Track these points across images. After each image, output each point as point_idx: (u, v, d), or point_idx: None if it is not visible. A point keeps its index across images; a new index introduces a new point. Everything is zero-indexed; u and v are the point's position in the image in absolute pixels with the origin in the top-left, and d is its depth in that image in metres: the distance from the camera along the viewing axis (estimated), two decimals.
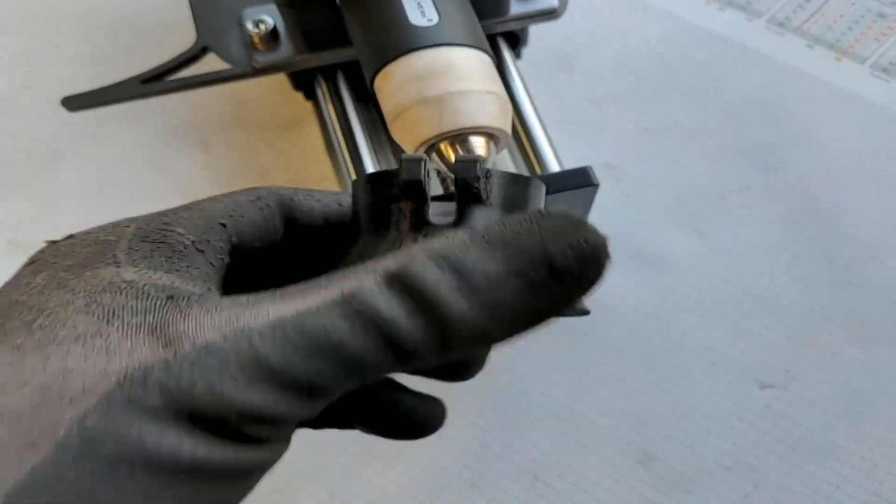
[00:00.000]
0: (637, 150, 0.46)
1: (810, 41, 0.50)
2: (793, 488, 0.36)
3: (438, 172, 0.33)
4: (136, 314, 0.16)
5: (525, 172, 0.40)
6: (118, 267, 0.17)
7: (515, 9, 0.40)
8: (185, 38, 0.40)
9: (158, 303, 0.17)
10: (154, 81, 0.38)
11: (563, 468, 0.37)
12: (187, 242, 0.19)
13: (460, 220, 0.20)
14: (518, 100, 0.40)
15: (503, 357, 0.40)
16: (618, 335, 0.41)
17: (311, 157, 0.47)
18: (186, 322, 0.16)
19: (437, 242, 0.16)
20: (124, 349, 0.15)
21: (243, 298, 0.17)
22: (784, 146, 0.46)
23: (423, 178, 0.19)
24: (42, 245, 0.19)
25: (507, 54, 0.42)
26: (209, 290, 0.18)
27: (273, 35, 0.38)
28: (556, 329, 0.40)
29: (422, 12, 0.30)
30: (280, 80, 0.44)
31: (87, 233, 0.19)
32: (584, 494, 0.37)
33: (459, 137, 0.28)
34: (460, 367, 0.23)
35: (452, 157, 0.29)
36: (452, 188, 0.35)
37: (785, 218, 0.44)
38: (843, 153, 0.46)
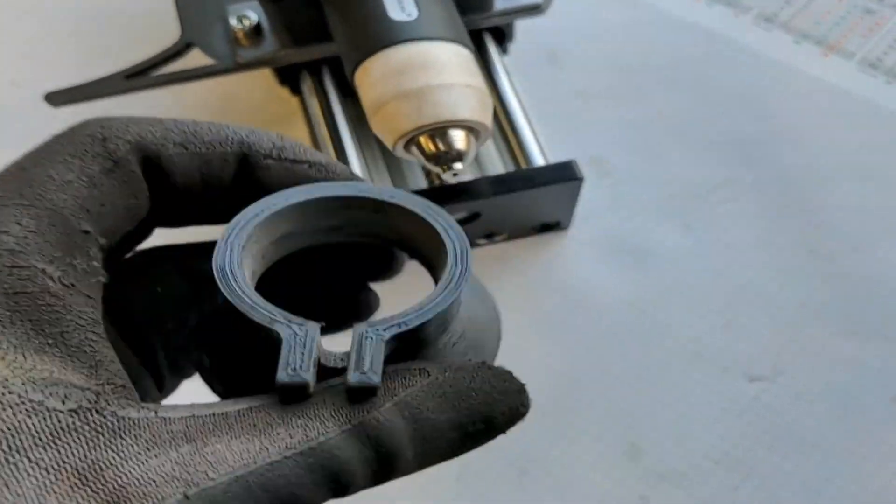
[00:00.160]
0: (623, 145, 0.46)
1: (797, 37, 0.50)
2: (781, 481, 0.36)
3: (423, 168, 0.33)
4: (44, 446, 0.13)
5: (511, 167, 0.40)
6: None
7: (500, 4, 0.40)
8: (171, 34, 0.40)
9: (65, 423, 0.14)
10: (138, 77, 0.38)
11: (549, 462, 0.37)
12: (52, 285, 0.15)
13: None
14: (503, 95, 0.41)
15: None
16: (604, 328, 0.41)
17: None
18: (128, 466, 0.13)
19: (402, 388, 0.16)
20: None
21: (177, 424, 0.14)
22: (770, 140, 0.46)
23: (308, 382, 0.16)
24: None
25: (492, 49, 0.42)
26: (101, 371, 0.15)
27: (257, 30, 0.38)
28: (542, 323, 0.40)
29: (401, 7, 0.31)
30: (266, 77, 0.44)
31: None
32: (571, 488, 0.37)
33: (439, 131, 0.28)
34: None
35: (433, 151, 0.29)
36: (437, 181, 0.35)
37: (771, 211, 0.44)
38: (829, 147, 0.46)
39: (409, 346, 0.18)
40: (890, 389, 0.38)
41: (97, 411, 0.14)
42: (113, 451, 0.14)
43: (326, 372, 0.17)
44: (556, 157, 0.38)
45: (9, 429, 0.13)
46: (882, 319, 0.40)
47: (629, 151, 0.46)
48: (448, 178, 0.29)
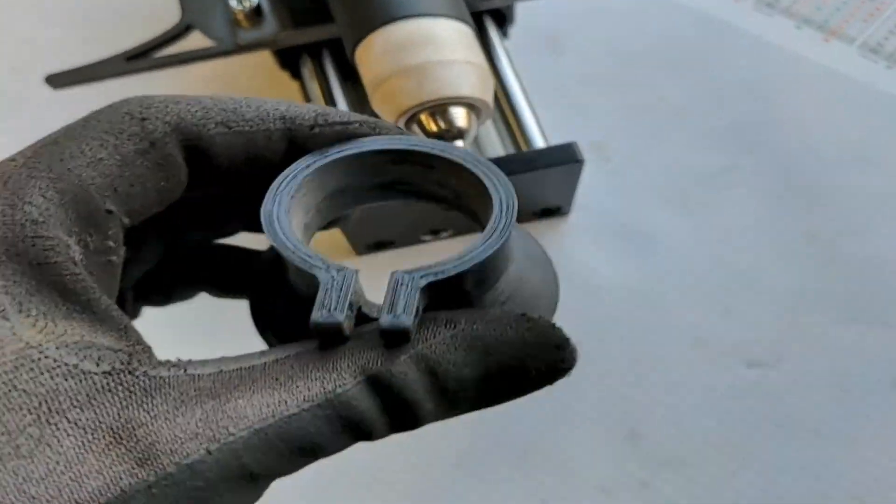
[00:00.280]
0: (625, 130, 0.46)
1: (798, 21, 0.50)
2: (780, 466, 0.36)
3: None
4: (81, 407, 0.14)
5: (511, 150, 0.40)
6: (7, 319, 0.14)
7: None
8: (171, 17, 0.40)
9: (99, 385, 0.14)
10: (139, 59, 0.38)
11: (550, 446, 0.37)
12: (75, 256, 0.15)
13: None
14: (504, 77, 0.40)
15: None
16: (604, 313, 0.40)
17: None
18: (157, 424, 0.14)
19: (422, 340, 0.16)
20: (90, 467, 0.13)
21: (205, 381, 0.15)
22: (771, 125, 0.46)
23: (339, 322, 0.16)
24: None
25: (493, 33, 0.42)
26: (129, 334, 0.15)
27: (257, 12, 0.38)
28: None
29: None
30: (267, 61, 0.44)
31: None
32: (571, 473, 0.36)
33: (440, 108, 0.28)
34: None
35: (434, 129, 0.29)
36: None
37: (771, 196, 0.44)
38: (830, 132, 0.46)
39: (449, 299, 0.17)
40: (890, 375, 0.38)
41: (129, 372, 0.14)
42: (144, 410, 0.14)
43: (366, 321, 0.17)
44: (557, 142, 0.38)
45: (47, 392, 0.14)
46: (882, 305, 0.40)
47: (630, 137, 0.46)
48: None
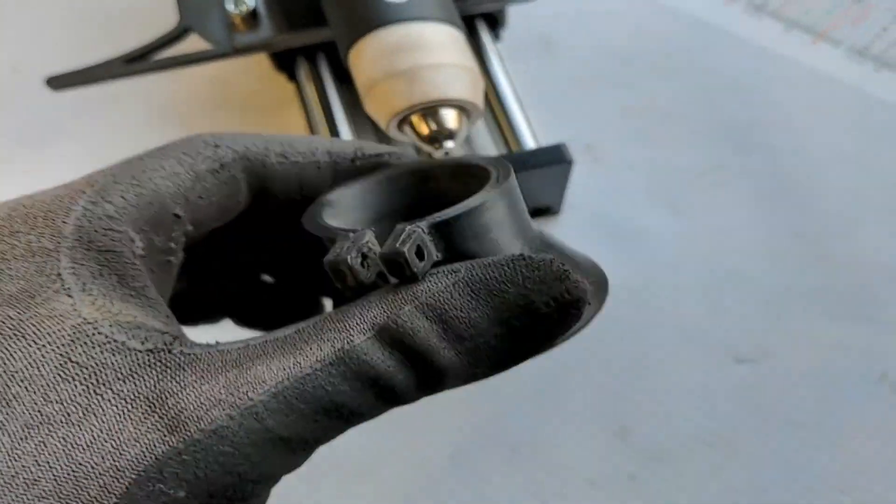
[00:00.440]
0: (616, 131, 0.47)
1: (787, 24, 0.51)
2: (766, 460, 0.37)
3: (415, 148, 0.33)
4: (124, 380, 0.15)
5: (503, 151, 0.40)
6: (70, 296, 0.16)
7: None
8: (169, 20, 0.40)
9: (141, 360, 0.16)
10: (137, 61, 0.38)
11: (541, 441, 0.38)
12: (137, 249, 0.17)
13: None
14: (496, 79, 0.41)
15: None
16: None
17: None
18: (185, 393, 0.15)
19: (421, 290, 0.16)
20: (128, 435, 0.15)
21: (232, 354, 0.16)
22: (759, 126, 0.47)
23: (346, 258, 0.17)
24: None
25: (485, 35, 0.42)
26: (173, 323, 0.17)
27: (253, 15, 0.39)
28: None
29: None
30: (263, 64, 0.45)
31: (13, 230, 0.17)
32: (561, 466, 0.37)
33: (431, 110, 0.29)
34: None
35: (425, 131, 0.30)
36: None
37: (760, 196, 0.45)
38: (817, 133, 0.47)
39: (454, 259, 0.18)
40: (874, 371, 0.39)
41: (168, 350, 0.16)
42: (175, 381, 0.15)
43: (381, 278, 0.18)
44: (549, 143, 0.39)
45: (97, 364, 0.15)
46: (867, 302, 0.41)
47: (621, 138, 0.47)
48: (440, 157, 0.30)
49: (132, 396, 0.15)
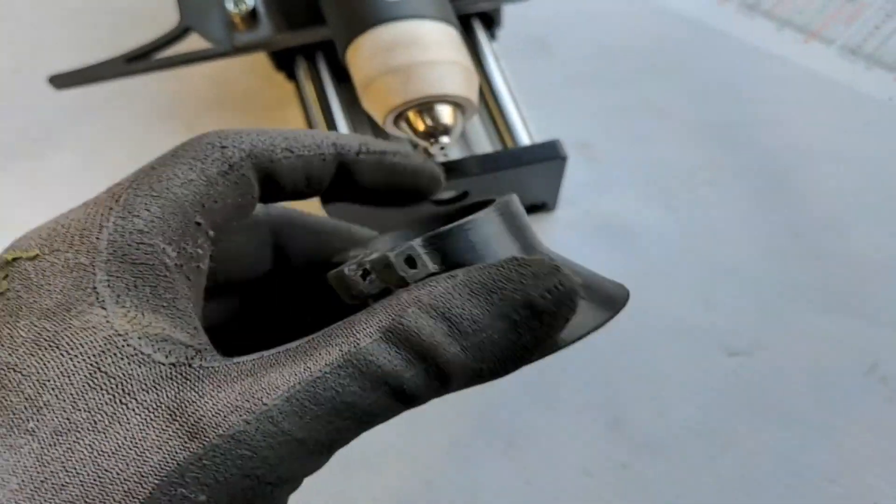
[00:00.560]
0: (610, 130, 0.48)
1: (779, 24, 0.52)
2: (758, 452, 0.37)
3: (412, 144, 0.34)
4: (148, 391, 0.16)
5: (498, 147, 0.41)
6: (104, 308, 0.17)
7: None
8: (170, 19, 0.41)
9: (164, 373, 0.16)
10: (139, 60, 0.39)
11: (535, 432, 0.38)
12: (168, 262, 0.18)
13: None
14: (491, 78, 0.42)
15: None
16: None
17: None
18: (203, 401, 0.16)
19: (423, 293, 0.17)
20: (151, 442, 0.15)
21: (246, 364, 0.17)
22: (752, 124, 0.48)
23: (343, 270, 0.18)
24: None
25: (481, 35, 0.43)
26: (199, 334, 0.18)
27: (253, 15, 0.39)
28: None
29: None
30: (263, 64, 0.46)
31: (52, 248, 0.18)
32: (555, 457, 0.38)
33: (426, 106, 0.30)
34: None
35: (421, 127, 0.30)
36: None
37: (752, 193, 0.45)
38: (809, 131, 0.47)
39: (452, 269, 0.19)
40: (864, 364, 0.39)
41: (189, 364, 0.17)
42: (194, 391, 0.16)
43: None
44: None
45: (124, 375, 0.16)
46: (857, 297, 0.41)
47: (615, 136, 0.48)
48: (436, 152, 0.31)
49: (155, 406, 0.16)
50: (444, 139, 0.30)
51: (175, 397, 0.16)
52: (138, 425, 0.16)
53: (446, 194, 0.37)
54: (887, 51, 0.50)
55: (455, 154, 0.41)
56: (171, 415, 0.16)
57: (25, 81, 0.51)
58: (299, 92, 0.44)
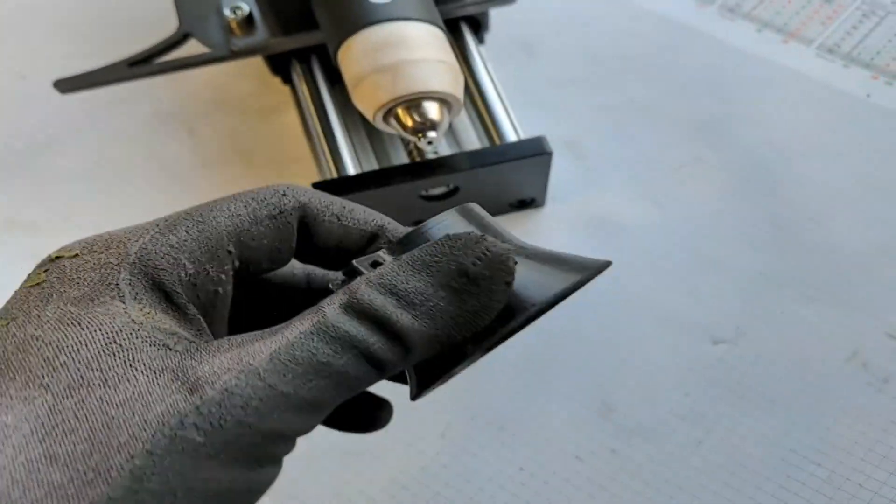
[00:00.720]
0: (596, 129, 0.49)
1: (759, 25, 0.53)
2: (742, 435, 0.38)
3: (402, 140, 0.35)
4: (155, 359, 0.18)
5: (486, 144, 0.42)
6: (123, 302, 0.19)
7: None
8: (170, 26, 0.43)
9: (171, 351, 0.19)
10: (140, 65, 0.40)
11: (527, 419, 0.39)
12: (184, 276, 0.20)
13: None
14: (480, 79, 0.43)
15: None
16: (577, 296, 0.42)
17: (289, 139, 0.50)
18: (201, 366, 0.18)
19: (373, 275, 0.20)
20: (156, 396, 0.18)
21: (236, 339, 0.19)
22: (734, 122, 0.49)
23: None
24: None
25: (469, 38, 0.45)
26: (201, 332, 0.20)
27: (249, 20, 0.41)
28: None
29: None
30: (260, 69, 0.47)
31: (91, 250, 0.20)
32: (546, 443, 0.39)
33: (414, 102, 0.31)
34: (367, 422, 0.28)
35: (409, 122, 0.32)
36: (416, 155, 0.37)
37: (735, 187, 0.47)
38: (789, 127, 0.49)
39: None
40: (844, 350, 0.40)
41: (190, 344, 0.19)
42: (194, 360, 0.19)
43: None
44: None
45: (135, 348, 0.18)
46: (838, 285, 0.42)
47: (601, 135, 0.49)
48: (424, 146, 0.32)
49: (160, 369, 0.18)
50: (432, 134, 0.32)
51: (178, 364, 0.18)
52: (145, 384, 0.18)
53: (437, 190, 0.38)
54: (864, 49, 0.51)
55: (444, 151, 0.42)
56: (174, 376, 0.18)
57: (31, 86, 0.53)
58: (295, 94, 0.45)
